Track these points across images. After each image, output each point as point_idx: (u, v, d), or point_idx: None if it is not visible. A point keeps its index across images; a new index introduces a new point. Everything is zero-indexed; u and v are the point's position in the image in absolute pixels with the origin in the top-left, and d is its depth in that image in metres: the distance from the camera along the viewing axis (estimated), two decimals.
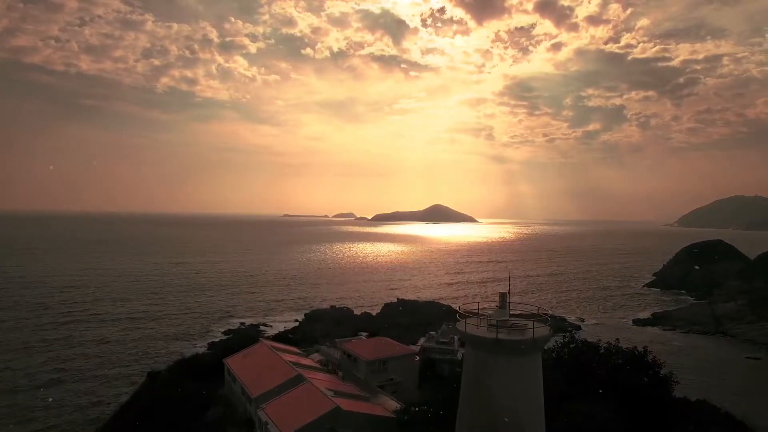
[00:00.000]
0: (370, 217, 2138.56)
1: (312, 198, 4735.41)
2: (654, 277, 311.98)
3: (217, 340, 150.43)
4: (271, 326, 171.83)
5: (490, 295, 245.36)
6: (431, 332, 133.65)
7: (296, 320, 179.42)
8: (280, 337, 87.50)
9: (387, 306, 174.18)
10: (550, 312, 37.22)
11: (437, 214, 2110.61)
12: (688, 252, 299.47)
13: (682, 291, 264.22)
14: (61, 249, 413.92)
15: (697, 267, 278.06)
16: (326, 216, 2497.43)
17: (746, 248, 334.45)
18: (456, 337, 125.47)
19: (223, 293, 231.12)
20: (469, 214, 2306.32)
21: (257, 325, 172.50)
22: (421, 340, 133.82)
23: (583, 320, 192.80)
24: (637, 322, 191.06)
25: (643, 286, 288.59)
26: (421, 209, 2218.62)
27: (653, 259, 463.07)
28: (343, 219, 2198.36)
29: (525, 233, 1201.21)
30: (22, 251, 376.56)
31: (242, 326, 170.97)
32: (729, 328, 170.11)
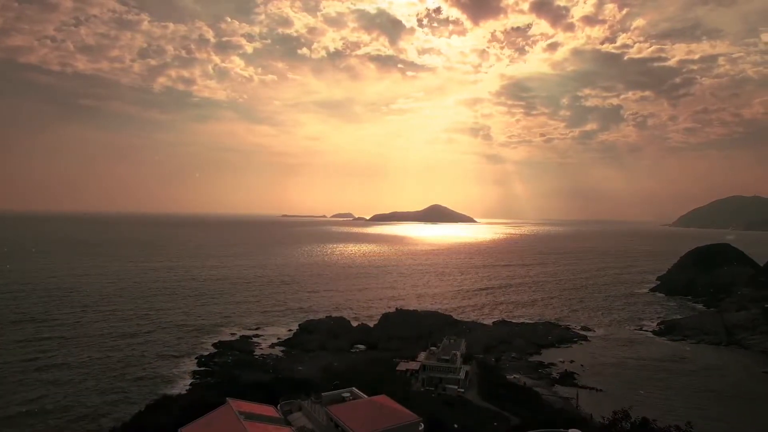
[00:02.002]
0: (368, 218, 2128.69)
1: (311, 198, 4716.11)
2: (658, 281, 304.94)
3: (206, 354, 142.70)
4: (264, 338, 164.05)
5: (493, 304, 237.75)
6: (432, 347, 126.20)
7: (290, 330, 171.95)
8: (262, 380, 78.40)
9: (385, 317, 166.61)
10: None
11: (436, 214, 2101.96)
12: (694, 256, 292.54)
13: (689, 297, 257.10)
14: (55, 251, 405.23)
15: (702, 272, 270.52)
16: (324, 216, 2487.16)
17: (750, 250, 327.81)
18: (458, 353, 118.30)
19: (217, 300, 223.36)
20: (467, 215, 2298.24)
21: (249, 337, 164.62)
22: (422, 355, 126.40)
23: (589, 330, 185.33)
24: (646, 332, 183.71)
25: (648, 291, 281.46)
26: (419, 209, 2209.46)
27: (656, 262, 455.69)
28: (342, 219, 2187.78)
29: (524, 234, 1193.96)
30: (13, 254, 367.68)
31: (234, 338, 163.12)
32: (742, 338, 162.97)
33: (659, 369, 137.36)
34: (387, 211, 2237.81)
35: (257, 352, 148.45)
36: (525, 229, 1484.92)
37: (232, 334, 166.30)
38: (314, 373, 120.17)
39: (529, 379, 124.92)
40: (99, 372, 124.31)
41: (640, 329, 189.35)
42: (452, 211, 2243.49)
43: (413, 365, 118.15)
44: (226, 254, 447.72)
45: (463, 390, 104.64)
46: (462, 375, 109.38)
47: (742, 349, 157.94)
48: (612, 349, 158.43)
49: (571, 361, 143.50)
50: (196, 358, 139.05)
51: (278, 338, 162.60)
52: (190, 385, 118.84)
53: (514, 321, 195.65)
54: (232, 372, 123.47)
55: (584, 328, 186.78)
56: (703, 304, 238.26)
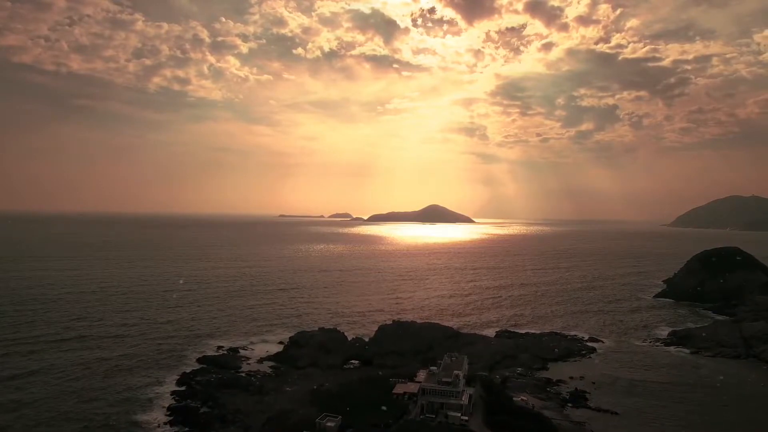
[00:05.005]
0: (366, 218, 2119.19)
1: (308, 198, 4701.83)
2: (665, 285, 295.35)
3: (189, 371, 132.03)
4: (253, 351, 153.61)
5: (494, 313, 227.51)
6: (432, 367, 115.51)
7: (281, 343, 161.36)
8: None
9: (382, 329, 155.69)
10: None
11: (434, 215, 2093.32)
12: (702, 259, 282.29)
13: (697, 303, 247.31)
14: (43, 253, 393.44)
15: (712, 277, 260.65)
16: (322, 216, 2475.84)
17: (753, 250, 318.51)
18: (461, 373, 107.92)
19: (207, 308, 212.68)
20: (465, 215, 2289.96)
21: (237, 350, 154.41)
22: (421, 374, 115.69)
23: (597, 340, 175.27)
24: (658, 343, 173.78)
25: (654, 297, 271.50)
26: (417, 209, 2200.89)
27: (659, 263, 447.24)
28: (340, 219, 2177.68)
29: (522, 234, 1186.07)
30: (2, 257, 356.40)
31: (221, 351, 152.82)
32: (761, 351, 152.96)
33: (677, 388, 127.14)
34: (384, 211, 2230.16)
35: (244, 368, 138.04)
36: (522, 230, 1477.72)
37: (219, 347, 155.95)
38: (302, 396, 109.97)
39: (538, 400, 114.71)
40: (71, 392, 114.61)
41: (651, 339, 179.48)
42: (450, 211, 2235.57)
43: (411, 387, 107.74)
44: (220, 257, 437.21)
45: (466, 418, 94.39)
46: (465, 399, 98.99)
47: (763, 363, 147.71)
48: (623, 363, 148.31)
49: (581, 378, 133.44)
50: (177, 376, 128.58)
51: (267, 352, 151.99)
52: (168, 408, 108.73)
53: (517, 331, 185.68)
54: (212, 395, 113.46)
55: (592, 339, 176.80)
56: (714, 310, 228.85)
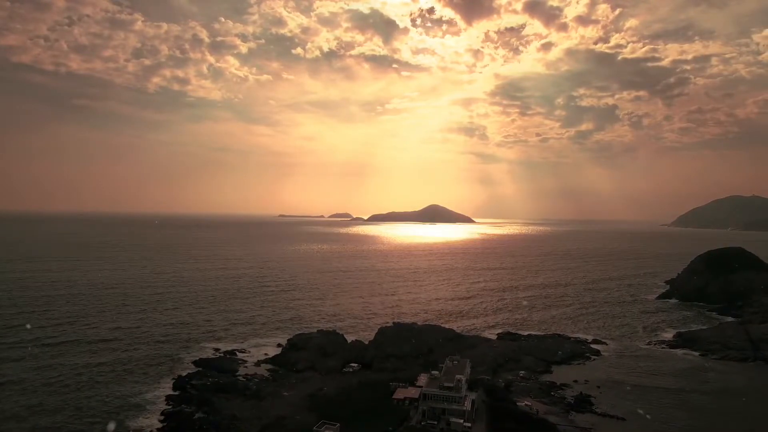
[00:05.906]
0: (366, 218, 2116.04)
1: (308, 198, 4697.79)
2: (668, 286, 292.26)
3: (185, 374, 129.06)
4: (250, 354, 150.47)
5: (496, 314, 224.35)
6: (433, 371, 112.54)
7: (279, 345, 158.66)
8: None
9: (382, 332, 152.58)
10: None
11: (434, 215, 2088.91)
12: (706, 260, 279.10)
13: (702, 303, 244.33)
14: (42, 253, 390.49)
15: (716, 277, 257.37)
16: (322, 216, 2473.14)
17: (756, 250, 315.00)
18: (463, 378, 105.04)
19: (203, 309, 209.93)
20: (465, 214, 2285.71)
21: (234, 352, 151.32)
22: (422, 378, 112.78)
23: (601, 342, 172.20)
24: (663, 345, 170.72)
25: (658, 298, 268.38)
26: (417, 209, 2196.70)
27: (662, 264, 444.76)
28: (340, 219, 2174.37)
29: (522, 234, 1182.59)
30: None
31: (217, 353, 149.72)
32: None
33: (684, 392, 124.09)
34: (384, 211, 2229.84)
35: (241, 371, 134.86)
36: (522, 230, 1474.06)
37: (216, 350, 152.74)
38: (300, 400, 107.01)
39: (542, 404, 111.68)
40: (63, 396, 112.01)
41: (656, 341, 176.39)
42: (450, 211, 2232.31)
43: (412, 392, 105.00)
44: (218, 257, 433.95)
45: (469, 424, 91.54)
46: (468, 405, 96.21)
47: None
48: (629, 367, 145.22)
49: (586, 381, 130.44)
50: (173, 380, 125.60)
51: (265, 355, 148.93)
52: (162, 413, 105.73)
53: (520, 333, 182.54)
54: (208, 399, 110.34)
55: (596, 341, 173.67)
56: (719, 312, 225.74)
